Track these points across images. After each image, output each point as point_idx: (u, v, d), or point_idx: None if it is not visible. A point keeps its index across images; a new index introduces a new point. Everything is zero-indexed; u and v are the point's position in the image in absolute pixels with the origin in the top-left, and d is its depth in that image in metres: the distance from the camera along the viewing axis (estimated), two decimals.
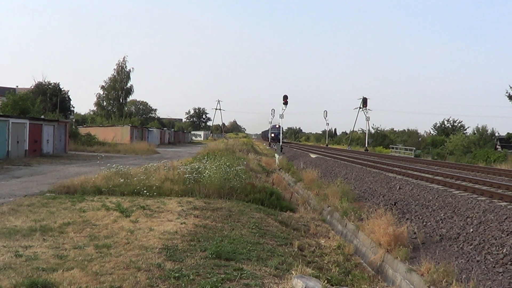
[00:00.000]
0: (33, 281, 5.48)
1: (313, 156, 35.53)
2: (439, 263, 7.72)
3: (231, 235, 9.23)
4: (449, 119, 73.55)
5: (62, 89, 58.84)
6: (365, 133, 61.26)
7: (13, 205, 11.13)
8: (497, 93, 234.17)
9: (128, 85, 73.22)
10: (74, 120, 61.16)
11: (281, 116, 49.27)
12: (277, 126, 79.14)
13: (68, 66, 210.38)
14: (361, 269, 9.80)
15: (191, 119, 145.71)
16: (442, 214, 11.19)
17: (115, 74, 72.44)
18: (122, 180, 14.77)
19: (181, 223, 9.83)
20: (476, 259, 8.06)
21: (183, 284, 5.82)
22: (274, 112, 68.34)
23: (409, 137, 69.77)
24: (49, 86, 57.35)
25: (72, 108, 65.04)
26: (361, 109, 60.86)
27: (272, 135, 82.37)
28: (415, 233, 10.02)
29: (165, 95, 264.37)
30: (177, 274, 6.14)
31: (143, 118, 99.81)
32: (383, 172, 20.10)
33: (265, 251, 8.35)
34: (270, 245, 9.15)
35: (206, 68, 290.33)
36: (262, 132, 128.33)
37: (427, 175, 17.70)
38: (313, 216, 14.95)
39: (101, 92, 73.03)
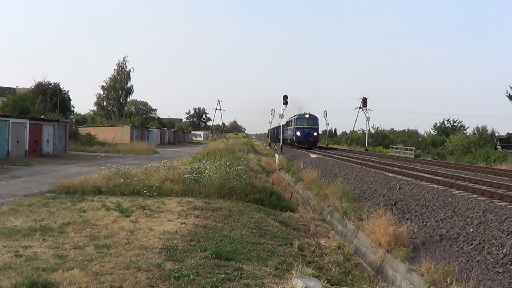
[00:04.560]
0: (33, 281, 5.49)
1: (313, 156, 35.50)
2: (439, 263, 7.72)
3: (231, 235, 9.23)
4: (449, 119, 73.92)
5: (62, 89, 59.00)
6: (365, 133, 61.22)
7: (13, 205, 11.14)
8: (497, 93, 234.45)
9: (128, 85, 73.51)
10: (74, 120, 61.23)
11: (281, 116, 49.30)
12: (306, 115, 48.87)
13: (68, 66, 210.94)
14: (361, 269, 9.79)
15: (191, 119, 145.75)
16: (442, 214, 11.18)
17: (115, 74, 72.67)
18: (122, 180, 14.78)
19: (181, 223, 9.83)
20: (476, 259, 8.06)
21: (183, 284, 5.82)
22: (274, 112, 65.95)
23: (409, 137, 69.86)
24: (49, 86, 57.41)
25: (72, 108, 65.19)
26: (361, 109, 60.71)
27: (298, 133, 47.47)
28: (415, 233, 10.03)
29: (165, 95, 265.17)
30: (177, 274, 6.14)
31: (143, 118, 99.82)
32: (383, 172, 20.09)
33: (265, 251, 8.35)
34: (270, 245, 9.14)
35: (206, 68, 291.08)
36: (269, 130, 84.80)
37: (427, 175, 17.68)
38: (313, 216, 14.94)
39: (101, 92, 73.35)
